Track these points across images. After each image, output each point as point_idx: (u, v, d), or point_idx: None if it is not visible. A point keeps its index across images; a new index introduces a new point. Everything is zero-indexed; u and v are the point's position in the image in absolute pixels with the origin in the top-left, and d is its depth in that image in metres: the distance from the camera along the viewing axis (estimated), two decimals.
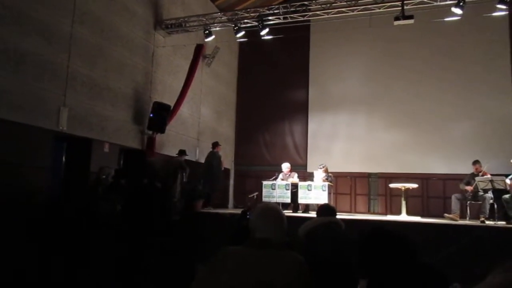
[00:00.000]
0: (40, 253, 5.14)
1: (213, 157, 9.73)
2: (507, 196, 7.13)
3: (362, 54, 11.58)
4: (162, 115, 8.68)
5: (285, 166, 9.56)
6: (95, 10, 7.50)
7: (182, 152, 9.15)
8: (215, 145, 9.89)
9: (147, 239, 4.58)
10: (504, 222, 7.10)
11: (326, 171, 9.18)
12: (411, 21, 7.66)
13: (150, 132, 8.72)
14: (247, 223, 2.01)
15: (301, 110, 12.25)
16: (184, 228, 6.91)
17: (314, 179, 9.16)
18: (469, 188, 7.81)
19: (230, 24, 9.37)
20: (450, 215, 7.81)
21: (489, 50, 10.35)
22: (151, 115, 8.59)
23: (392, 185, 9.13)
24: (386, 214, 10.29)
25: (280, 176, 9.45)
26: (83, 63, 7.19)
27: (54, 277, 4.70)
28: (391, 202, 10.74)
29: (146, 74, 8.96)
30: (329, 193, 8.70)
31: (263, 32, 8.88)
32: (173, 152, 9.61)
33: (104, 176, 7.02)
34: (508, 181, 7.29)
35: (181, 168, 8.85)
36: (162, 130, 8.75)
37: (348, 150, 11.39)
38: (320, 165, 9.34)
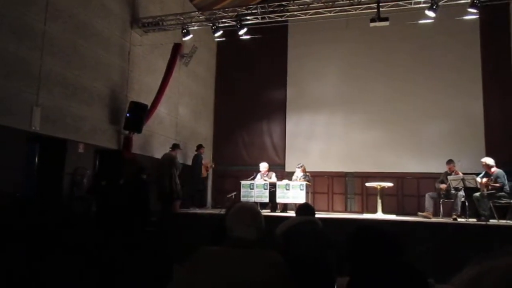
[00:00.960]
0: (11, 254, 5.00)
1: (196, 159, 10.11)
2: (477, 194, 7.34)
3: (340, 55, 11.72)
4: (139, 114, 8.58)
5: (263, 166, 9.59)
6: (69, 7, 7.34)
7: (175, 146, 9.23)
8: (198, 147, 10.28)
9: (123, 239, 4.53)
10: (475, 219, 7.32)
11: (304, 170, 9.28)
12: (386, 23, 7.82)
13: (127, 132, 8.60)
14: (225, 224, 2.01)
15: (279, 110, 12.31)
16: (162, 228, 6.85)
17: (293, 177, 9.28)
18: (443, 186, 8.02)
19: (208, 24, 9.34)
20: (423, 213, 8.01)
21: (461, 54, 10.65)
22: (128, 114, 8.48)
23: (368, 184, 9.29)
24: (362, 212, 10.46)
25: (258, 176, 9.48)
26: (56, 61, 7.03)
27: (25, 278, 4.58)
28: (367, 201, 10.91)
29: (123, 73, 8.83)
30: (307, 192, 8.78)
31: (241, 32, 8.90)
32: (151, 152, 9.52)
33: (79, 177, 6.91)
34: (478, 179, 7.53)
35: (173, 163, 8.81)
36: (139, 130, 8.65)
37: (325, 149, 11.52)
38: (298, 165, 9.44)
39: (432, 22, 8.27)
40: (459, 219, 7.40)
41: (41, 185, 6.83)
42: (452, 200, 7.77)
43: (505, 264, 0.48)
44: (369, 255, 1.84)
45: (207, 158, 11.07)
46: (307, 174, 9.29)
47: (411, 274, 1.77)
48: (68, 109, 7.25)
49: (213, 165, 10.49)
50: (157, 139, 9.93)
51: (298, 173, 9.30)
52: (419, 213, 8.26)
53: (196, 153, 10.30)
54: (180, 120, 11.07)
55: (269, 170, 9.65)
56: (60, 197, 6.69)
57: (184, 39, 9.46)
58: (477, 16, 8.35)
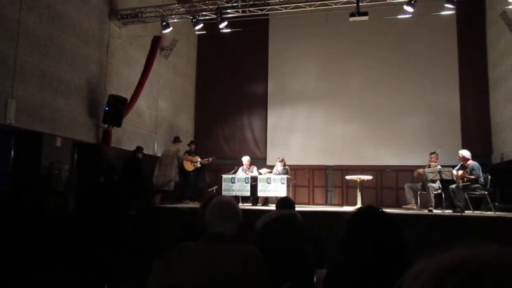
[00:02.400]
0: None
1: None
2: (453, 186, 7.52)
3: (320, 49, 11.77)
4: (118, 108, 8.45)
5: (246, 159, 9.59)
6: None
7: (177, 139, 9.93)
8: (189, 143, 10.51)
9: (103, 233, 4.47)
10: (450, 211, 7.50)
11: (284, 164, 9.32)
12: (365, 18, 7.88)
13: (106, 126, 8.46)
14: (197, 220, 2.00)
15: (260, 103, 12.31)
16: (141, 222, 6.80)
17: (274, 170, 9.32)
18: (421, 170, 8.12)
19: (188, 16, 9.24)
20: (407, 206, 8.10)
21: (439, 49, 10.85)
22: (106, 108, 8.34)
23: (348, 177, 9.39)
24: (342, 205, 10.60)
25: (240, 169, 9.48)
26: (32, 52, 6.84)
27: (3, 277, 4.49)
28: (347, 194, 11.05)
29: (101, 65, 8.66)
30: (288, 186, 8.83)
31: (222, 25, 8.83)
32: (130, 146, 9.40)
33: (56, 171, 6.78)
34: (454, 172, 7.70)
35: (178, 156, 9.63)
36: (118, 124, 8.52)
37: (306, 143, 11.59)
38: (278, 158, 9.49)
39: (410, 17, 8.39)
40: (435, 211, 7.57)
41: (16, 179, 6.66)
42: (426, 192, 7.94)
43: (439, 261, 0.49)
44: (366, 233, 1.74)
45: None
46: (286, 167, 9.33)
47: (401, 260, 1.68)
48: (44, 102, 7.08)
49: (209, 159, 10.34)
50: (137, 132, 9.81)
51: (278, 167, 9.33)
52: (403, 206, 8.33)
53: (188, 148, 10.32)
54: (160, 114, 10.96)
55: (251, 164, 9.65)
56: (36, 192, 6.55)
57: (164, 31, 9.33)
58: (454, 12, 8.51)
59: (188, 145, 10.48)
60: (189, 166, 10.27)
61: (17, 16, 6.55)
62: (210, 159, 10.27)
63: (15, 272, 4.55)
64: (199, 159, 10.14)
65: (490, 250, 0.49)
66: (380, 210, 1.81)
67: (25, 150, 6.85)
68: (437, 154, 8.27)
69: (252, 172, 9.37)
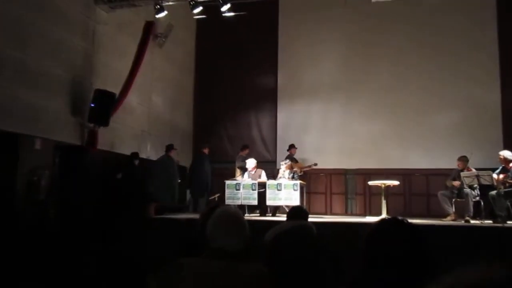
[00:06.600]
0: None
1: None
2: (493, 192, 7.39)
3: (338, 37, 11.72)
4: (106, 104, 8.50)
5: (250, 163, 9.55)
6: None
7: (244, 147, 10.68)
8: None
9: (89, 245, 4.51)
10: (490, 221, 7.40)
11: (289, 167, 9.28)
12: None
13: (91, 125, 8.52)
14: (197, 233, 2.01)
15: (269, 99, 12.31)
16: (134, 234, 6.83)
17: (279, 175, 9.32)
18: (456, 183, 8.04)
19: None
20: (447, 218, 7.98)
21: (475, 35, 10.74)
22: (92, 104, 8.39)
23: (371, 183, 9.35)
24: (365, 215, 10.54)
25: (246, 174, 9.47)
26: (7, 42, 6.89)
27: None
28: (370, 202, 11.01)
29: (86, 56, 8.72)
30: (301, 193, 8.79)
31: (224, 8, 8.84)
32: (119, 148, 9.45)
33: (35, 178, 6.83)
34: (495, 176, 7.54)
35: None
36: (105, 123, 8.57)
37: (322, 144, 11.55)
38: (282, 161, 9.46)
39: (444, 5, 8.23)
40: (472, 221, 7.48)
41: None
42: (464, 200, 7.82)
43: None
44: (388, 248, 1.74)
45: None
46: (295, 171, 9.30)
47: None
48: (21, 98, 7.12)
49: (315, 165, 10.42)
50: (127, 132, 9.85)
51: (283, 171, 9.29)
52: (443, 219, 8.16)
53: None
54: (153, 111, 11.00)
55: (258, 167, 9.63)
56: (12, 201, 6.60)
57: (157, 16, 9.36)
58: None
59: (289, 150, 10.60)
60: None
61: None
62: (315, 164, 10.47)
63: None
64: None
65: None
66: (405, 221, 1.80)
67: None
68: (467, 160, 8.13)
69: (259, 177, 9.33)
